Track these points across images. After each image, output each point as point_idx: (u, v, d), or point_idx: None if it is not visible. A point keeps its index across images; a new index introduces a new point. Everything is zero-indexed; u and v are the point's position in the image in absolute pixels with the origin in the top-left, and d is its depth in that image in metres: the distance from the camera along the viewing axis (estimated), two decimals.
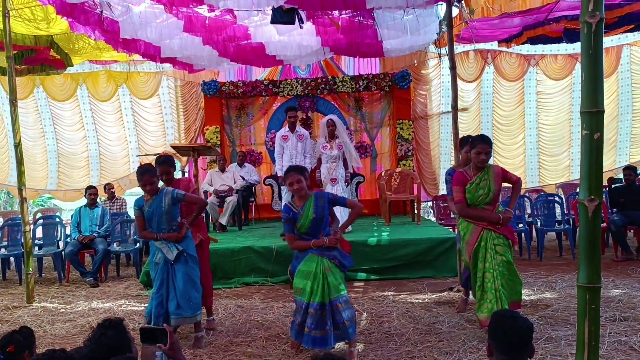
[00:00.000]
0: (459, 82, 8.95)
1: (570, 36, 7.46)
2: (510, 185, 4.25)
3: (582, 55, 2.64)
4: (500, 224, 4.03)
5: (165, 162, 4.50)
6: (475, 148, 4.01)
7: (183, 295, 4.02)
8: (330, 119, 7.37)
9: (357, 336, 4.05)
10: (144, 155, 10.33)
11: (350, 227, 7.26)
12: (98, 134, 10.91)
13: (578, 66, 9.61)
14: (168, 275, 4.10)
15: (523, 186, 10.42)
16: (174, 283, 4.06)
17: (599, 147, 2.61)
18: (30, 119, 10.75)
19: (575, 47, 9.24)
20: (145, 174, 4.07)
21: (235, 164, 9.19)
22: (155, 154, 10.08)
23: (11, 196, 16.19)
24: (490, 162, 4.18)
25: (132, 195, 11.94)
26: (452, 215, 7.91)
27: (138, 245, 7.59)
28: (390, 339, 4.15)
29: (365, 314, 4.88)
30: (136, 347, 2.26)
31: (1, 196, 17.29)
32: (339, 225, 4.09)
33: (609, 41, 9.75)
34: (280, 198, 8.52)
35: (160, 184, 4.44)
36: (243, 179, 8.70)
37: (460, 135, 5.08)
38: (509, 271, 4.03)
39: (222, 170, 8.64)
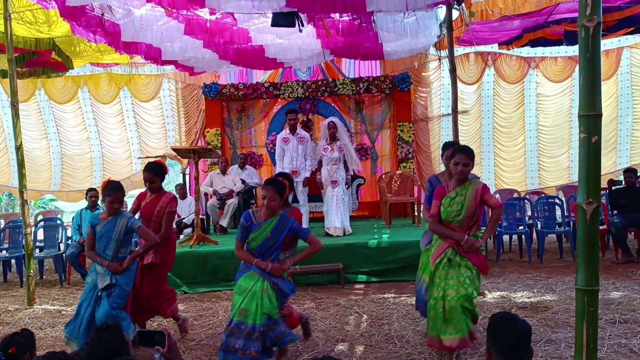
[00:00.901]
0: (460, 84, 8.96)
1: (570, 38, 7.48)
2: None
3: (580, 58, 2.65)
4: (462, 245, 3.61)
5: (150, 169, 4.26)
6: (454, 157, 3.70)
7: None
8: (332, 121, 7.39)
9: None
10: (145, 157, 10.36)
11: (351, 229, 7.31)
12: (100, 136, 10.95)
13: (578, 68, 9.63)
14: (93, 300, 3.80)
15: (524, 188, 10.43)
16: (94, 310, 3.76)
17: (596, 150, 2.62)
18: (33, 121, 10.79)
19: (575, 50, 9.23)
20: (117, 190, 3.86)
21: (237, 166, 9.20)
22: (157, 157, 10.18)
23: (12, 198, 16.23)
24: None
25: (133, 197, 11.96)
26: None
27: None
28: (390, 341, 4.15)
29: (365, 316, 4.88)
30: (134, 350, 2.26)
31: (2, 198, 17.33)
32: (291, 257, 3.77)
33: (609, 43, 9.77)
34: None
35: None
36: (243, 182, 8.70)
37: (460, 138, 5.08)
38: (464, 295, 3.51)
39: (224, 172, 8.64)
